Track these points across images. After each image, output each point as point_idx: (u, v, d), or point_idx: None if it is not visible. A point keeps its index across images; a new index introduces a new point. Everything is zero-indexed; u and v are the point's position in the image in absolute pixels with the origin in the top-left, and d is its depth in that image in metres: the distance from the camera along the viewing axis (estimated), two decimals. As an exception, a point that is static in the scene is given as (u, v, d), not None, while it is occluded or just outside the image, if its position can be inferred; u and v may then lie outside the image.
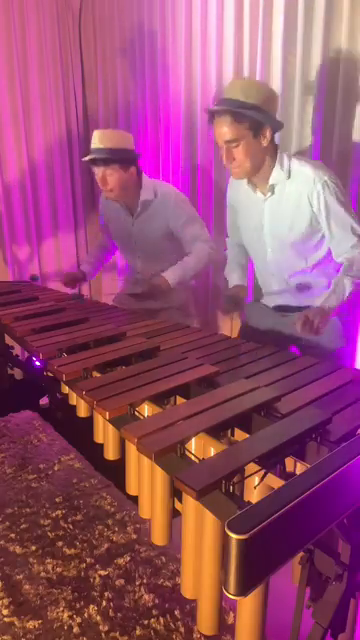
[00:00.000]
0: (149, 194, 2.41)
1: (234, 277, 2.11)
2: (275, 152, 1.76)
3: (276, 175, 1.75)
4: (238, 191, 1.95)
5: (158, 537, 1.25)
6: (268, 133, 1.70)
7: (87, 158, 2.32)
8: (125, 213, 2.50)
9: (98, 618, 1.66)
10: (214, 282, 2.85)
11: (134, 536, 2.01)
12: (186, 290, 2.58)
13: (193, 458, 1.07)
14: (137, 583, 1.79)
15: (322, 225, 1.76)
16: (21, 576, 1.83)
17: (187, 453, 1.08)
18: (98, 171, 2.31)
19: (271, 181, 1.77)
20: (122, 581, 1.80)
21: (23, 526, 2.07)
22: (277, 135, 1.80)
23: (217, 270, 2.80)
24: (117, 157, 2.28)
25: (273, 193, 1.80)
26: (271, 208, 1.83)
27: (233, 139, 1.67)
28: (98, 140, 2.30)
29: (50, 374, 1.73)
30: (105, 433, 1.50)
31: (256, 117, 1.65)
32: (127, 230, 2.53)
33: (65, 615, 1.67)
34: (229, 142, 1.68)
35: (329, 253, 1.83)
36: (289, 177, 1.75)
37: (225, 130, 1.66)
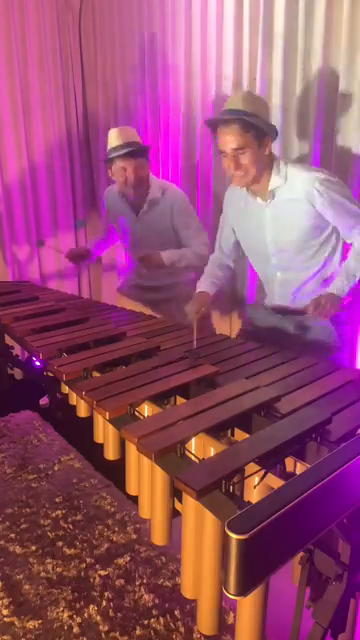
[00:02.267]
0: (157, 192, 2.44)
1: (203, 285, 2.08)
2: (272, 160, 1.83)
3: (275, 181, 1.81)
4: (235, 202, 2.00)
5: (158, 537, 1.25)
6: (269, 142, 1.77)
7: (124, 152, 2.30)
8: (129, 210, 2.51)
9: (98, 618, 1.66)
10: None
11: (134, 536, 2.01)
12: (188, 285, 2.54)
13: (193, 458, 1.07)
14: (137, 583, 1.79)
15: (329, 218, 1.79)
16: (21, 576, 1.83)
17: (187, 453, 1.08)
18: (128, 165, 2.31)
19: (271, 186, 1.82)
20: (122, 581, 1.80)
21: (23, 526, 2.07)
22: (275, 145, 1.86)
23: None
24: (144, 150, 2.35)
25: (273, 198, 1.84)
26: (273, 212, 1.86)
27: (240, 147, 1.73)
28: (122, 136, 2.32)
29: (50, 374, 1.73)
30: (105, 433, 1.50)
31: (261, 126, 1.72)
32: (130, 227, 2.55)
33: (65, 615, 1.67)
34: (236, 149, 1.73)
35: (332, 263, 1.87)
36: (286, 181, 1.80)
37: (233, 138, 1.72)
